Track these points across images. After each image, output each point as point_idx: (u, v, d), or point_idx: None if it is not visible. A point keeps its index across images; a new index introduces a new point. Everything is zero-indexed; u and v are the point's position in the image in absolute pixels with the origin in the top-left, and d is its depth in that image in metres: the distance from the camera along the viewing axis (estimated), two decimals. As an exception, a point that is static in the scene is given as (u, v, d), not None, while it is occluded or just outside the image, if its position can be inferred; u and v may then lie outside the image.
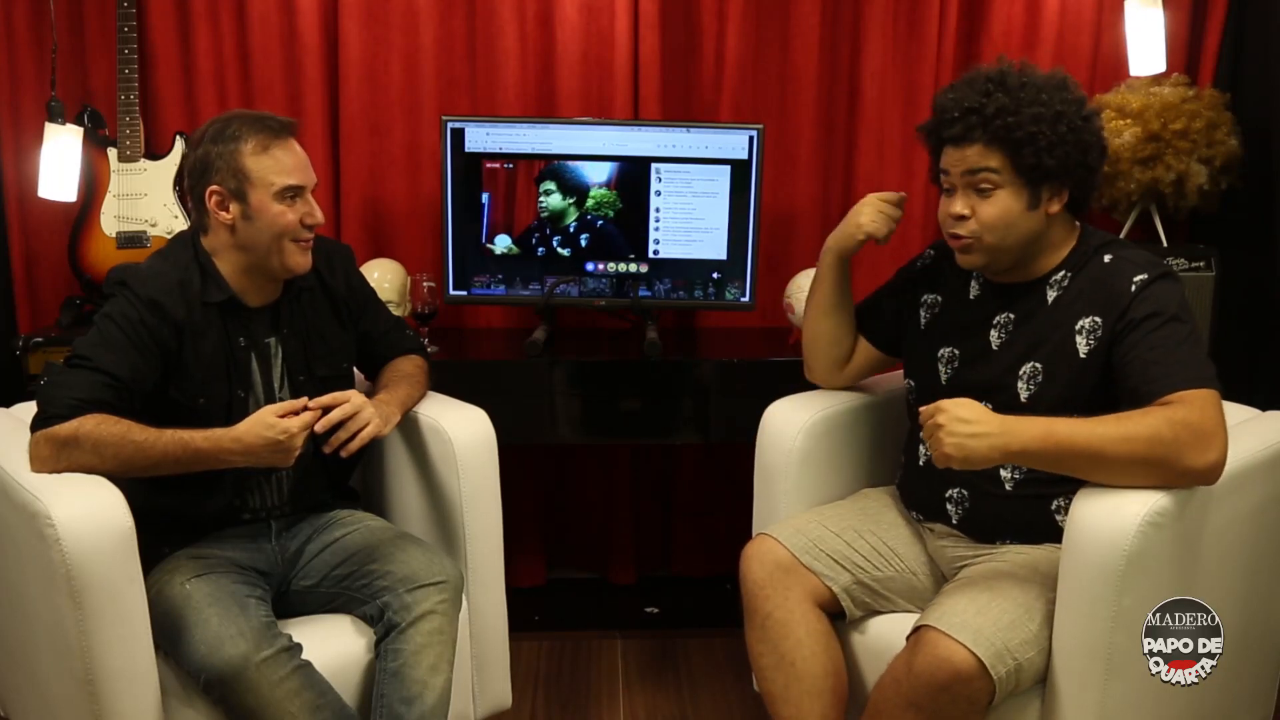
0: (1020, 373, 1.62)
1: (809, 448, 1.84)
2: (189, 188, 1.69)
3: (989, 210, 1.58)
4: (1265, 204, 2.44)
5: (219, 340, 1.67)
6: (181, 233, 1.77)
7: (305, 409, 1.57)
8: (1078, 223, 1.67)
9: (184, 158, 1.80)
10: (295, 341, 1.76)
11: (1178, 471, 1.42)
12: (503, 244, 2.41)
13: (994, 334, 1.67)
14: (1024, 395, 1.61)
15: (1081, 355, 1.56)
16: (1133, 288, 1.53)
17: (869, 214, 1.77)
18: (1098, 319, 1.55)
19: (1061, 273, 1.63)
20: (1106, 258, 1.59)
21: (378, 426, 1.65)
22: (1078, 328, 1.57)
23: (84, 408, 1.52)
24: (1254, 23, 2.52)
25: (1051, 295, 1.62)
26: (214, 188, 1.64)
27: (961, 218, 1.61)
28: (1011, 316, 1.66)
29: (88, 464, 1.50)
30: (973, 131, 1.57)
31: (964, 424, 1.43)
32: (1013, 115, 1.54)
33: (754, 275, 2.44)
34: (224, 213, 1.65)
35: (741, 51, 2.59)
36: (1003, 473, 1.62)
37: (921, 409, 1.50)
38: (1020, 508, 1.61)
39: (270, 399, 1.73)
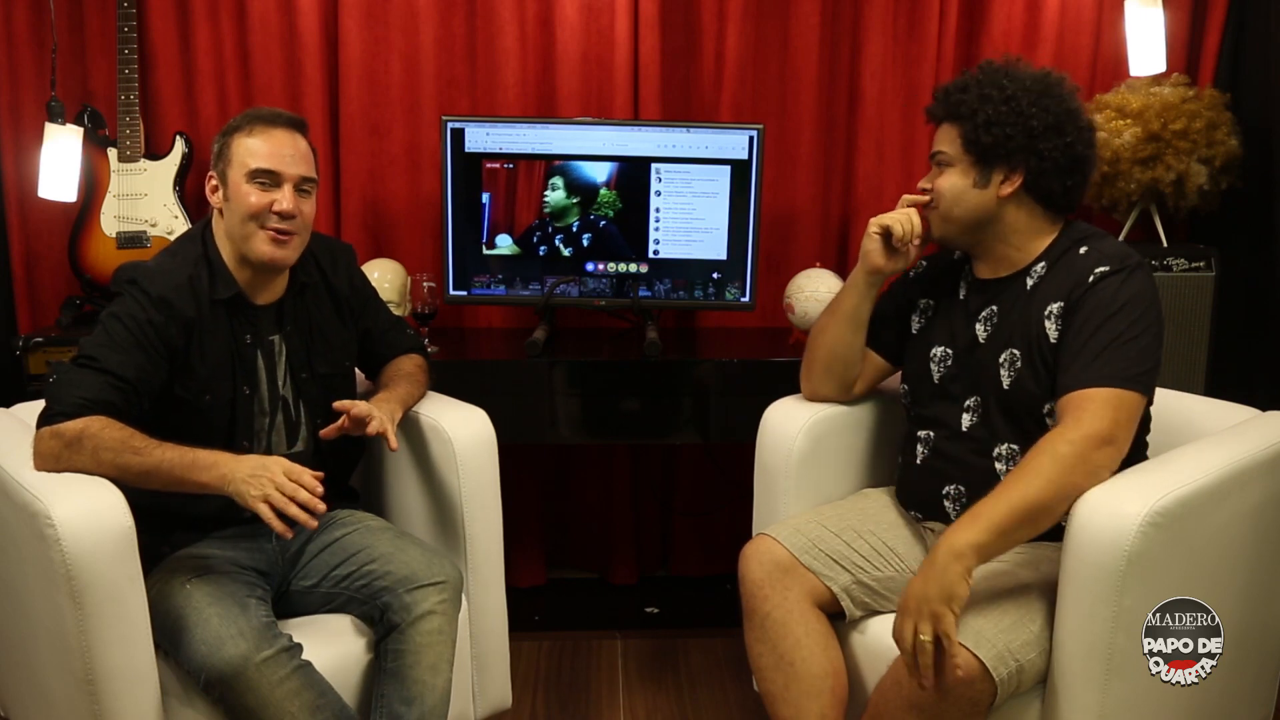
0: (1000, 360, 1.65)
1: (809, 448, 1.84)
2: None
3: (941, 182, 1.70)
4: (1265, 204, 2.44)
5: (225, 338, 1.68)
6: (190, 230, 1.78)
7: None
8: (1063, 220, 1.69)
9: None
10: (298, 338, 1.76)
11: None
12: (504, 244, 2.41)
13: (980, 327, 1.70)
14: (1006, 382, 1.63)
15: (1052, 340, 1.59)
16: (1090, 278, 1.57)
17: (882, 217, 1.74)
18: (1063, 303, 1.59)
19: (1041, 264, 1.66)
20: (1082, 249, 1.62)
21: (380, 423, 1.67)
22: (1046, 313, 1.60)
23: (91, 407, 1.52)
24: (1254, 23, 2.52)
25: (1030, 285, 1.66)
26: (211, 173, 1.71)
27: (925, 190, 1.73)
28: (995, 309, 1.69)
29: (85, 467, 1.50)
30: (936, 107, 1.72)
31: (929, 601, 1.41)
32: (966, 92, 1.66)
33: (754, 275, 2.44)
34: (214, 196, 1.70)
35: (741, 51, 2.59)
36: (998, 466, 1.64)
37: (897, 636, 1.45)
38: None
39: (274, 396, 1.73)
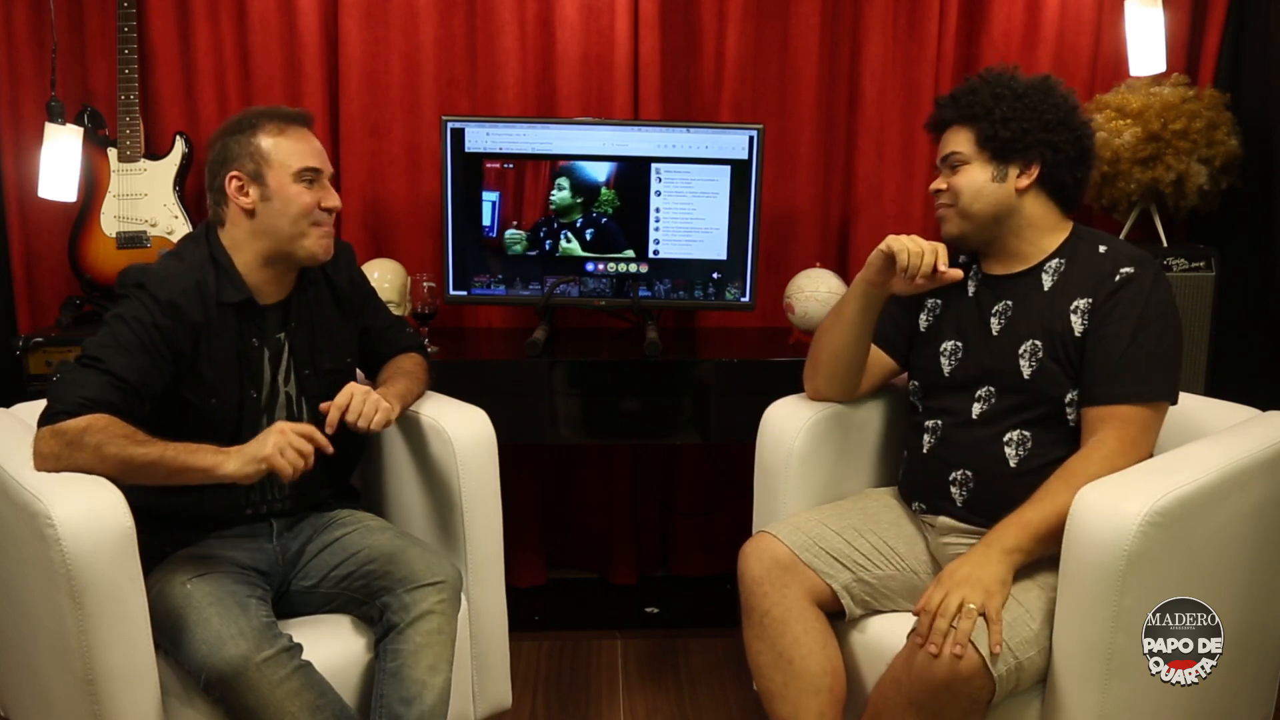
0: (1020, 351, 1.67)
1: (809, 448, 1.84)
2: (208, 183, 1.71)
3: (958, 180, 1.72)
4: (1265, 204, 2.44)
5: (233, 341, 1.68)
6: (193, 232, 1.77)
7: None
8: (1072, 221, 1.73)
9: (208, 158, 1.74)
10: (302, 335, 1.76)
11: None
12: (516, 237, 2.41)
13: (994, 321, 1.72)
14: (1026, 372, 1.66)
15: (1076, 334, 1.63)
16: (1117, 278, 1.61)
17: (901, 238, 1.68)
18: (1090, 299, 1.63)
19: (1056, 260, 1.69)
20: (1101, 248, 1.67)
21: (386, 411, 1.67)
22: (1072, 308, 1.64)
23: (92, 406, 1.52)
24: (1254, 23, 2.52)
25: (1047, 281, 1.68)
26: (234, 173, 1.67)
27: (939, 191, 1.75)
28: (1009, 304, 1.71)
29: (88, 464, 1.50)
30: (946, 112, 1.75)
31: (983, 581, 1.45)
32: (976, 94, 1.71)
33: (754, 275, 2.44)
34: (244, 197, 1.67)
35: (741, 51, 2.59)
36: (1007, 450, 1.65)
37: (934, 605, 1.45)
38: (1025, 484, 1.61)
39: (274, 393, 1.73)
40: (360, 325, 1.88)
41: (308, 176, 1.68)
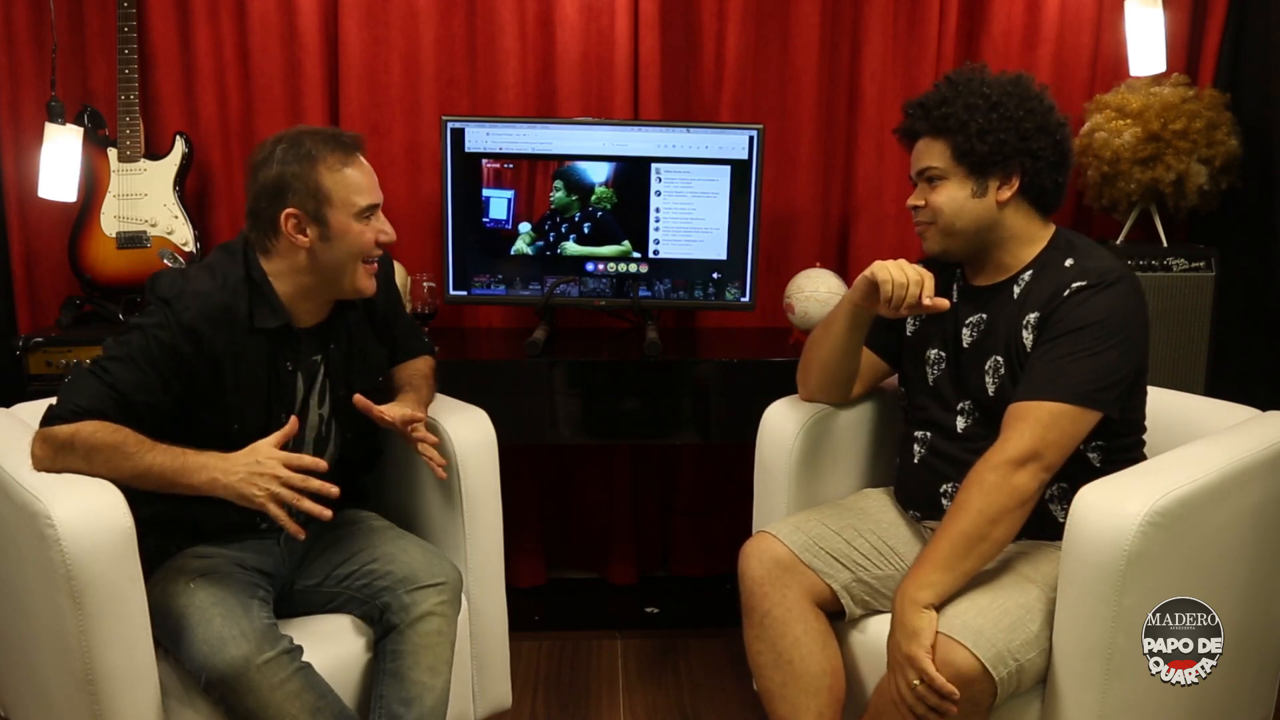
0: (986, 367, 1.66)
1: (809, 448, 1.84)
2: (253, 208, 1.61)
3: (937, 197, 1.67)
4: (1265, 204, 2.44)
5: (263, 365, 1.62)
6: (230, 244, 1.66)
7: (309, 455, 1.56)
8: (1054, 225, 1.70)
9: (256, 180, 1.56)
10: (339, 357, 1.72)
11: (1020, 496, 1.48)
12: (525, 230, 2.41)
13: (966, 333, 1.71)
14: (990, 389, 1.65)
15: (1028, 350, 1.60)
16: (1066, 293, 1.57)
17: (888, 266, 1.61)
18: (1038, 314, 1.60)
19: (1029, 272, 1.66)
20: (1068, 262, 1.62)
21: (432, 451, 1.72)
22: (1024, 322, 1.61)
23: (84, 415, 1.50)
24: (1254, 23, 2.52)
25: (1017, 293, 1.66)
26: (291, 211, 1.58)
27: (916, 207, 1.71)
28: (984, 317, 1.69)
29: (78, 469, 1.49)
30: (917, 124, 1.69)
31: (900, 649, 1.45)
32: (949, 105, 1.65)
33: (754, 275, 2.44)
34: (301, 236, 1.59)
35: (741, 51, 2.59)
36: None
37: (896, 697, 1.46)
38: None
39: (304, 416, 1.70)
40: (391, 338, 1.86)
41: (368, 214, 1.62)
